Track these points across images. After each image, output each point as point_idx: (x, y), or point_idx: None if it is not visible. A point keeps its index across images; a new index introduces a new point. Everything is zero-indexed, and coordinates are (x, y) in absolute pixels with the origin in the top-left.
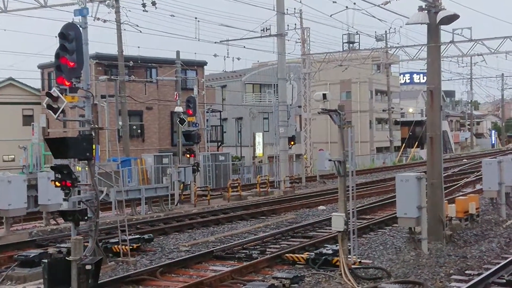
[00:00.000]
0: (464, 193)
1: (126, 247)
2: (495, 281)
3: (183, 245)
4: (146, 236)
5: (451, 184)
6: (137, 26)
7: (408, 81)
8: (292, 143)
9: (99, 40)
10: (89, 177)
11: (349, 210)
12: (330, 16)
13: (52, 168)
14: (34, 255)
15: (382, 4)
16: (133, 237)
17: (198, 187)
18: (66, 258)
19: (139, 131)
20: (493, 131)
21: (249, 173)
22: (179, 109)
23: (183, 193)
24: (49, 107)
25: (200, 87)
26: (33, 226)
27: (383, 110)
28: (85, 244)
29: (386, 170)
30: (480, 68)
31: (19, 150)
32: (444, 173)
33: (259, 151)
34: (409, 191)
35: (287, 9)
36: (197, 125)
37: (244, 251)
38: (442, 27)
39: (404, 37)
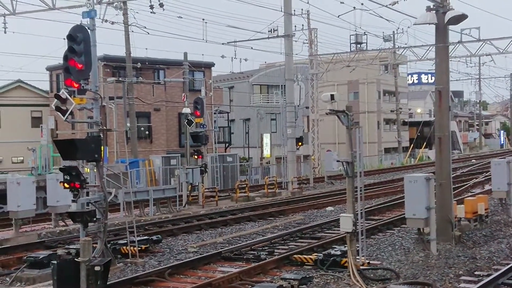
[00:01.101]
0: (473, 193)
1: (135, 248)
2: (504, 282)
3: (191, 246)
4: (154, 237)
5: (460, 185)
6: (145, 27)
7: (416, 81)
8: (300, 144)
9: (107, 42)
10: (97, 179)
11: (357, 211)
12: (338, 16)
13: (61, 169)
14: (43, 257)
15: (390, 4)
16: (142, 238)
17: (206, 188)
18: (75, 259)
19: (147, 132)
20: (502, 131)
21: (256, 174)
22: (186, 110)
23: (191, 194)
24: (57, 109)
25: (207, 88)
26: (42, 228)
27: (391, 111)
28: (94, 245)
29: (394, 170)
30: (489, 68)
31: (28, 152)
32: (452, 174)
33: (266, 152)
34: (417, 191)
35: (294, 10)
36: (204, 126)
37: (252, 252)
38: (450, 27)
39: (412, 38)
